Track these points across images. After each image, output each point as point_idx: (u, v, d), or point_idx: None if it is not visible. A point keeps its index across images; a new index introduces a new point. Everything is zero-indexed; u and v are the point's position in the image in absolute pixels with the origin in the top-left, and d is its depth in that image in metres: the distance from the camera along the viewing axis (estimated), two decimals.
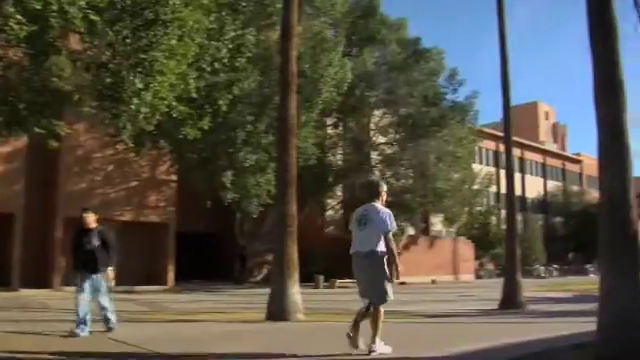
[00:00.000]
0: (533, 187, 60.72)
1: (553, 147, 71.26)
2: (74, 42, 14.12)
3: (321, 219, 36.96)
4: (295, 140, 13.10)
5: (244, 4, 22.44)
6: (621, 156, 6.52)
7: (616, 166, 6.54)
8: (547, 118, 78.26)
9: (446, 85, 34.75)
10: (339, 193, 36.60)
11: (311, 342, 8.60)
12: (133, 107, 13.75)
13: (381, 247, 6.91)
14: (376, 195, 7.20)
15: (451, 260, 42.17)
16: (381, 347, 6.89)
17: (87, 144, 25.64)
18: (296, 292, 11.83)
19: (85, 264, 8.80)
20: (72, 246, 9.19)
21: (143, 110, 13.99)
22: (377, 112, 35.02)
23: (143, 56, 13.44)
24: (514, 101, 17.65)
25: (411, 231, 40.01)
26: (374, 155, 35.14)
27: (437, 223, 44.75)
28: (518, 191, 42.88)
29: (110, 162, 26.40)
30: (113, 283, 9.05)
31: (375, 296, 6.91)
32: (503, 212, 34.73)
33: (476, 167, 44.99)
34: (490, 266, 47.09)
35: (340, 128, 34.86)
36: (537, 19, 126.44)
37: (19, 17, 11.41)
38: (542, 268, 48.43)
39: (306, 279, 19.51)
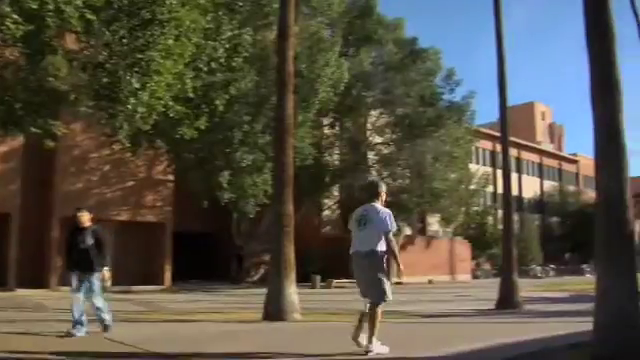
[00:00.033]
0: (530, 187, 60.79)
1: (550, 147, 71.34)
2: (70, 42, 14.11)
3: (318, 219, 36.97)
4: (292, 140, 13.10)
5: (241, 4, 22.40)
6: (617, 156, 6.54)
7: (612, 166, 6.55)
8: (544, 118, 78.36)
9: (443, 85, 34.80)
10: (336, 193, 36.62)
11: (308, 342, 8.60)
12: (130, 107, 13.73)
13: (381, 247, 6.94)
14: (376, 195, 7.23)
15: (448, 260, 42.18)
16: (378, 347, 6.90)
17: (83, 144, 25.61)
18: (293, 292, 11.83)
19: (79, 263, 8.76)
20: (66, 245, 9.17)
21: (140, 110, 13.98)
22: (374, 112, 35.02)
23: (140, 56, 13.43)
24: (511, 101, 17.66)
25: (408, 231, 40.01)
26: (371, 155, 35.14)
27: (434, 223, 44.77)
28: (515, 191, 42.88)
29: (107, 162, 26.36)
30: (109, 283, 9.02)
31: (374, 296, 6.93)
32: (500, 212, 34.79)
33: (473, 167, 45.02)
34: (487, 266, 47.10)
35: (337, 128, 34.86)
36: (534, 19, 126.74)
37: (15, 16, 11.38)
38: (539, 268, 48.49)
39: (303, 279, 19.49)
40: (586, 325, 6.87)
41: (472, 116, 36.22)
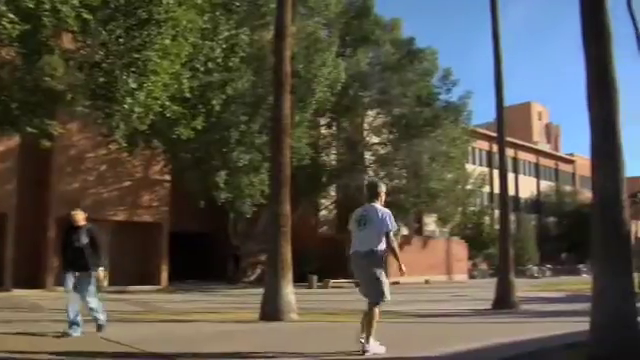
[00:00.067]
0: (526, 187, 60.89)
1: (546, 147, 71.48)
2: (67, 41, 14.09)
3: (315, 219, 36.96)
4: (289, 140, 13.09)
5: (238, 4, 22.41)
6: (613, 156, 6.54)
7: (608, 166, 6.56)
8: (540, 118, 78.54)
9: (440, 85, 34.79)
10: (333, 193, 36.61)
11: (305, 342, 8.60)
12: (126, 107, 13.73)
13: (380, 247, 6.98)
14: (375, 196, 7.27)
15: (444, 260, 42.20)
16: (375, 347, 6.90)
17: (80, 144, 25.56)
18: (290, 292, 11.83)
19: (73, 262, 8.72)
20: (61, 244, 9.14)
21: (136, 110, 13.98)
22: (371, 112, 35.02)
23: (136, 55, 13.42)
24: (507, 101, 17.69)
25: (405, 231, 40.02)
26: (368, 155, 35.14)
27: (430, 223, 44.77)
28: (511, 191, 42.95)
29: (103, 162, 26.32)
30: (106, 283, 9.00)
31: (372, 296, 6.94)
32: (496, 212, 34.79)
33: (469, 167, 45.09)
34: (483, 266, 47.13)
35: (334, 128, 34.87)
36: (531, 19, 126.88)
37: (11, 16, 11.36)
38: (535, 268, 48.51)
39: (299, 279, 19.49)
40: (583, 325, 6.87)
41: (469, 116, 36.29)
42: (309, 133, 27.50)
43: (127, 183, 27.28)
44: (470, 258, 45.97)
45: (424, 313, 14.16)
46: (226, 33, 19.32)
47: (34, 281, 23.29)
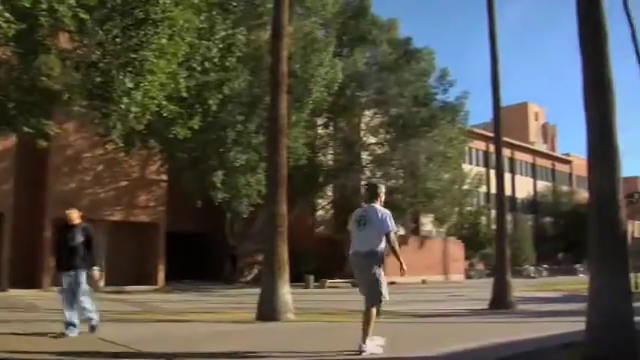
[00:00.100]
0: (523, 187, 60.93)
1: (543, 147, 71.55)
2: (64, 41, 14.07)
3: (311, 219, 36.95)
4: (285, 140, 13.09)
5: (235, 4, 22.41)
6: (610, 156, 6.56)
7: (605, 166, 6.57)
8: (537, 119, 78.58)
9: (436, 85, 34.83)
10: (329, 193, 36.59)
11: (301, 342, 8.59)
12: (123, 106, 13.71)
13: (380, 247, 7.00)
14: (375, 196, 7.29)
15: (441, 260, 42.23)
16: (372, 347, 6.90)
17: (77, 144, 25.52)
18: (286, 292, 11.82)
19: (68, 261, 8.66)
20: (56, 243, 9.10)
21: (133, 109, 13.96)
22: (368, 112, 35.03)
23: (133, 55, 13.41)
24: (504, 102, 17.70)
25: (401, 231, 40.03)
26: (364, 155, 35.15)
27: (427, 223, 44.82)
28: (508, 191, 43.06)
29: (100, 162, 26.28)
30: (102, 283, 8.98)
31: (370, 296, 6.94)
32: (493, 212, 34.89)
33: (466, 167, 45.07)
34: (480, 266, 47.18)
35: (331, 128, 34.86)
36: (527, 19, 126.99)
37: (8, 15, 11.33)
38: (532, 268, 48.61)
39: (296, 279, 19.44)
40: (579, 325, 6.88)
41: (465, 116, 36.29)
42: (306, 133, 27.49)
43: (124, 183, 27.25)
44: (467, 258, 46.02)
45: (421, 313, 14.16)
46: (223, 33, 19.32)
47: (30, 281, 23.23)
